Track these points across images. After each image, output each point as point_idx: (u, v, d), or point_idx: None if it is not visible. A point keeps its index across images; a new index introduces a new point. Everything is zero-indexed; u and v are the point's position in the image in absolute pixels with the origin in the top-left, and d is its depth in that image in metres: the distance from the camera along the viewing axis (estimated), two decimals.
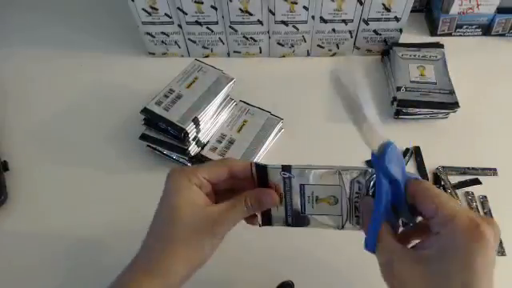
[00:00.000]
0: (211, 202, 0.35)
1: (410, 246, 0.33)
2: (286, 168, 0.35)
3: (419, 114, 0.59)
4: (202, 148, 0.55)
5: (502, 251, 0.47)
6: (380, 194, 0.31)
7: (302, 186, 0.35)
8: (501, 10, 0.67)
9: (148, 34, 0.68)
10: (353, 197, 0.35)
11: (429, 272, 0.28)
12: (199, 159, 0.54)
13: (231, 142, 0.55)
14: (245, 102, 0.60)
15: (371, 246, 0.32)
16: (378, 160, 0.31)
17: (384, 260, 0.31)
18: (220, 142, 0.55)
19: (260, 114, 0.58)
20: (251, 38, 0.67)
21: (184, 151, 0.53)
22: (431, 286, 0.28)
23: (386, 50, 0.67)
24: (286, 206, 0.37)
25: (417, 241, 0.33)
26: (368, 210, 0.33)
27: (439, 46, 0.64)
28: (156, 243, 0.33)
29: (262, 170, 0.35)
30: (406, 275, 0.29)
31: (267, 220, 0.38)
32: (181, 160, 0.56)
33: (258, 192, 0.35)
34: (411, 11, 0.62)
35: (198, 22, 0.65)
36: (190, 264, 0.33)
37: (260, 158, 0.56)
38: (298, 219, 0.37)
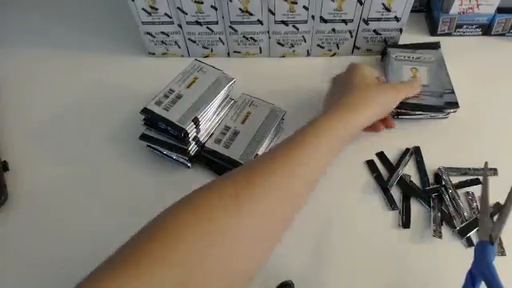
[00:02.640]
0: None
1: None
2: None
3: (419, 114, 0.59)
4: (203, 147, 0.55)
5: (502, 251, 0.47)
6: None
7: None
8: (501, 10, 0.67)
9: (148, 33, 0.68)
10: None
11: None
12: (206, 151, 0.54)
13: (235, 134, 0.55)
14: (248, 95, 0.60)
15: None
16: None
17: None
18: (224, 133, 0.55)
19: (263, 105, 0.58)
20: (251, 37, 0.67)
21: (184, 151, 0.53)
22: None
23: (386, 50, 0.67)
24: None
25: None
26: None
27: (435, 46, 0.64)
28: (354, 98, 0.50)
29: None
30: None
31: None
32: (181, 160, 0.56)
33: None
34: (411, 11, 0.62)
35: (198, 22, 0.65)
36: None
37: (266, 148, 0.56)
38: None
